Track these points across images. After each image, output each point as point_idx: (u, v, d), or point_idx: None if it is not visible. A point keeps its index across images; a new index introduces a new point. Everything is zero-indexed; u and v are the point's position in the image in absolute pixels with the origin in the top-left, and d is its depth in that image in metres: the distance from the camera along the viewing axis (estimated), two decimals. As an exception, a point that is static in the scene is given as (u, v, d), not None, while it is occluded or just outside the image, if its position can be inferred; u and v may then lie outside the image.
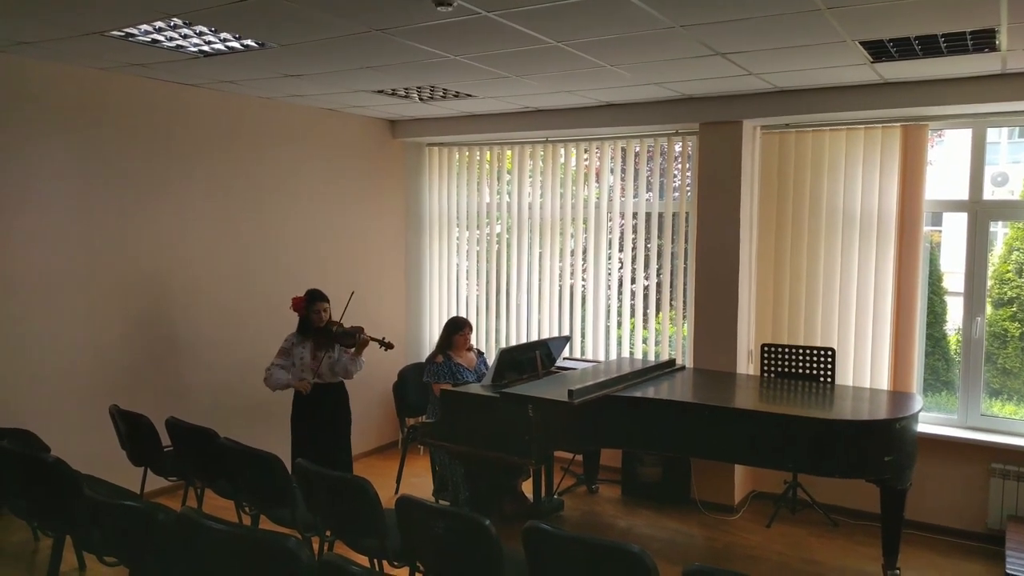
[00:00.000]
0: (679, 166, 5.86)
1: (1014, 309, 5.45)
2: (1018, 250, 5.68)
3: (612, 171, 6.16)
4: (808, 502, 5.22)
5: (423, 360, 5.74)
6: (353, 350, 4.84)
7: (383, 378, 5.95)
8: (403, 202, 6.95)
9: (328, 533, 3.68)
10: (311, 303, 4.81)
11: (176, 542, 2.90)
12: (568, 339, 5.72)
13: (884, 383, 5.15)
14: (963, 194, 5.00)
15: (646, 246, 6.01)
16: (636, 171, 6.02)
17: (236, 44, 3.98)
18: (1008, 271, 5.63)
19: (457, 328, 5.22)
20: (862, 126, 5.13)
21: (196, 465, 4.24)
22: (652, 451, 5.29)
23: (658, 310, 6.00)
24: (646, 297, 6.04)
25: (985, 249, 4.96)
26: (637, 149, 6.00)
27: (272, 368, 4.75)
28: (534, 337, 6.42)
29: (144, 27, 3.69)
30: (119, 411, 4.46)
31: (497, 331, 6.73)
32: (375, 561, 3.50)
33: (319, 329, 4.81)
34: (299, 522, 3.71)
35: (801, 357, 5.03)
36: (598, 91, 5.11)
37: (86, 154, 4.75)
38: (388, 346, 4.89)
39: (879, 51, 3.90)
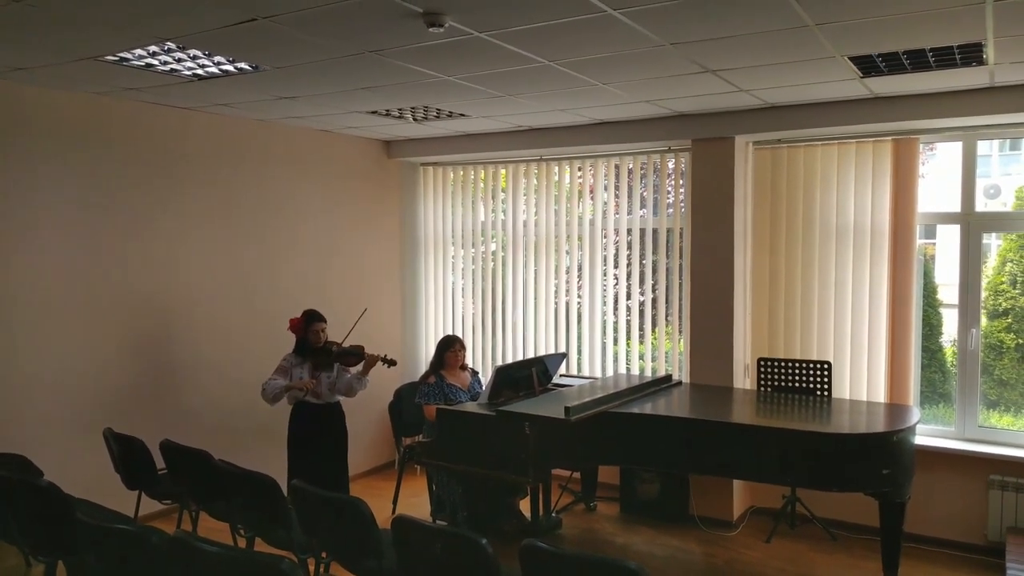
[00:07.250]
0: (672, 182, 5.89)
1: (1009, 320, 5.47)
2: (1012, 261, 5.71)
3: (606, 188, 6.19)
4: (807, 517, 5.20)
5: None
6: (358, 369, 4.84)
7: (379, 397, 5.93)
8: (398, 221, 6.97)
9: (324, 555, 3.65)
10: (309, 323, 4.81)
11: (170, 565, 2.87)
12: (564, 356, 5.71)
13: (881, 396, 5.15)
14: (956, 206, 5.03)
15: (641, 262, 6.02)
16: (630, 188, 6.05)
17: (230, 67, 4.00)
18: (1002, 282, 5.65)
19: (448, 346, 5.21)
20: (853, 140, 5.17)
21: (191, 488, 4.21)
22: (650, 468, 5.26)
23: (654, 326, 6.00)
24: (642, 313, 6.05)
25: (979, 261, 4.98)
26: (630, 166, 6.02)
27: (267, 381, 4.74)
28: (530, 354, 6.41)
29: (138, 51, 3.71)
30: (113, 434, 4.44)
31: (493, 349, 6.72)
32: (372, 582, 3.47)
33: (318, 349, 4.81)
34: (295, 544, 3.68)
35: (797, 371, 5.02)
36: (591, 109, 5.14)
37: (83, 178, 4.76)
38: (391, 363, 4.90)
39: (868, 66, 3.94)
